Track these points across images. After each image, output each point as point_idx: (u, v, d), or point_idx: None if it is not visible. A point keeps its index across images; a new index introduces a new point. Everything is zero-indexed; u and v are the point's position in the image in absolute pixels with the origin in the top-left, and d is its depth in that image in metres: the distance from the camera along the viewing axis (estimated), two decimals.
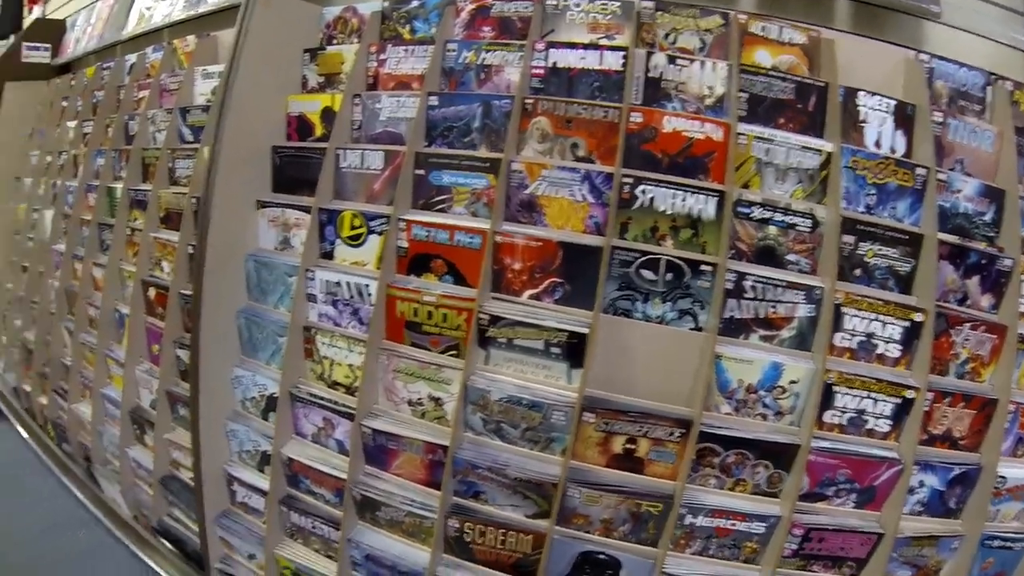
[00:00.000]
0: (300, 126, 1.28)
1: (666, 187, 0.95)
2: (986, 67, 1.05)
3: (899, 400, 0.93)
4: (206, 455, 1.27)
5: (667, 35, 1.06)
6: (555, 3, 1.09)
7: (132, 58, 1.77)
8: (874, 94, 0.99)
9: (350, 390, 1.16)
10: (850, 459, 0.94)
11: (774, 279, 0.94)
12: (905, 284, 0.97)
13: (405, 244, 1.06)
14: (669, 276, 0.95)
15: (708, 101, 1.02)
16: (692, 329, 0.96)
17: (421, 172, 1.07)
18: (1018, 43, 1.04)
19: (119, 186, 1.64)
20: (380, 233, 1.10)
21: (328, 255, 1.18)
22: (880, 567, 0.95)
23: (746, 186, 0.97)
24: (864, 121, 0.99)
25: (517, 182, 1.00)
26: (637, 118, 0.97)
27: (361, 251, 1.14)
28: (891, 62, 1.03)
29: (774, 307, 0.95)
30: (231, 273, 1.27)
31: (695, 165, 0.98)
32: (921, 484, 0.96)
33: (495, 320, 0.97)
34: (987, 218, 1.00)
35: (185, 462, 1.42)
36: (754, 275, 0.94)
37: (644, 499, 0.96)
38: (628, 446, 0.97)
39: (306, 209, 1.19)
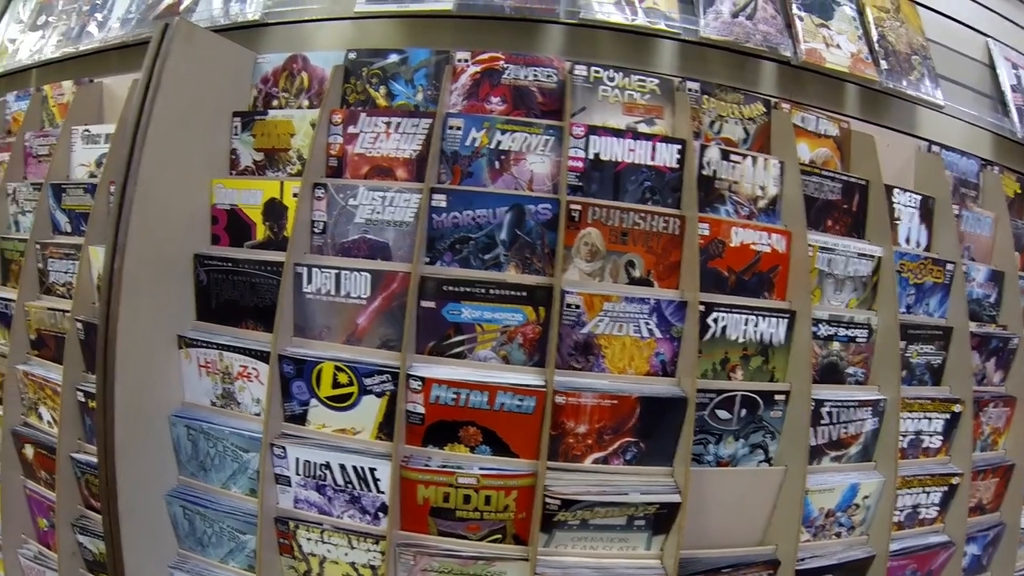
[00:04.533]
0: (232, 224, 0.88)
1: (739, 312, 0.83)
2: (980, 154, 1.11)
3: (945, 488, 0.96)
4: None
5: (712, 123, 0.92)
6: (584, 74, 0.88)
7: None
8: (905, 191, 0.98)
9: None
10: (917, 555, 0.95)
11: (849, 400, 0.88)
12: (937, 376, 1.00)
13: (421, 409, 0.77)
14: (743, 412, 0.84)
15: (761, 203, 0.91)
16: (762, 462, 0.87)
17: (431, 305, 0.78)
18: (1003, 131, 1.11)
19: None
20: (379, 394, 0.79)
21: (298, 418, 0.84)
22: None
23: None
24: (898, 219, 0.98)
25: (572, 319, 0.78)
26: (704, 230, 0.82)
27: (350, 416, 0.81)
28: (904, 152, 1.03)
29: (846, 428, 0.90)
30: (154, 441, 0.86)
31: (761, 282, 0.87)
32: (964, 554, 1.02)
33: (568, 503, 0.75)
34: (992, 299, 1.07)
35: None
36: (831, 400, 0.87)
37: None
38: None
39: (256, 353, 0.83)
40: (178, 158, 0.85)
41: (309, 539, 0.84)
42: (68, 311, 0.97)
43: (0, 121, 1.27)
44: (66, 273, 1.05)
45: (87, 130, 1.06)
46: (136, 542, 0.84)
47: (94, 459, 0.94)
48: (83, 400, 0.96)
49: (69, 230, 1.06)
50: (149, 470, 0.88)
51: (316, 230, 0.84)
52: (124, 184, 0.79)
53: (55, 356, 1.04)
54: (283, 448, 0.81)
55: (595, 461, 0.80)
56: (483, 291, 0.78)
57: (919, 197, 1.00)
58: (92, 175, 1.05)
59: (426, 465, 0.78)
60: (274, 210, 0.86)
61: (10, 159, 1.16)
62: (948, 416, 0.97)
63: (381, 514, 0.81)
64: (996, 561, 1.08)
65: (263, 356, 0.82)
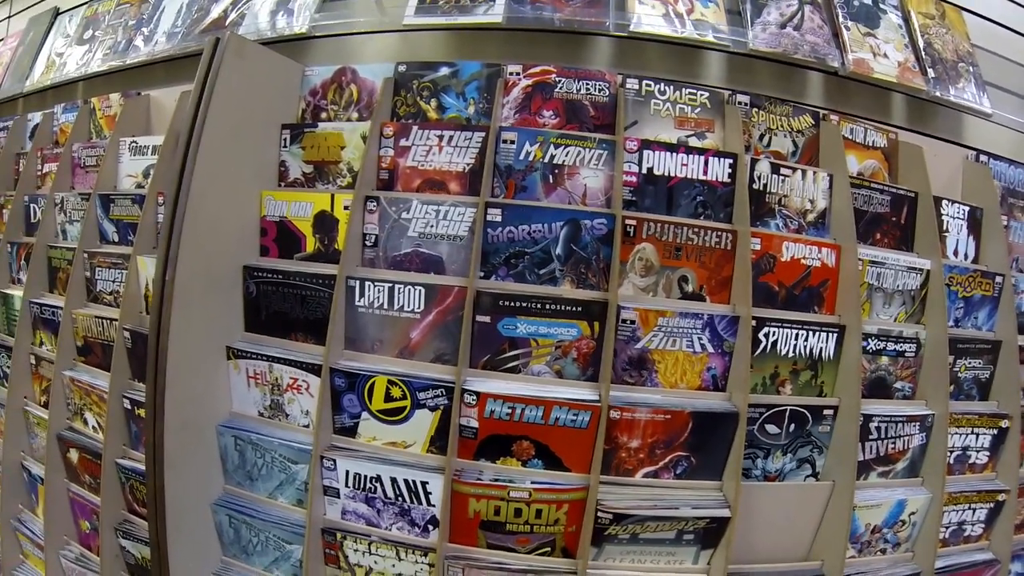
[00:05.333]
0: (282, 235, 0.88)
1: (789, 327, 0.82)
2: None
3: (991, 504, 0.96)
4: None
5: (762, 136, 0.91)
6: (636, 87, 0.88)
7: (36, 117, 1.32)
8: (953, 202, 0.97)
9: None
10: (961, 572, 0.94)
11: (897, 415, 0.88)
12: (984, 390, 0.99)
13: (475, 423, 0.78)
14: (792, 427, 0.83)
15: (810, 217, 0.90)
16: (809, 477, 0.87)
17: (486, 319, 0.79)
18: None
19: (17, 293, 1.18)
20: (433, 408, 0.79)
21: (348, 431, 0.84)
22: None
23: None
24: (947, 231, 0.97)
25: (627, 334, 0.78)
26: (755, 244, 0.82)
27: (402, 429, 0.81)
28: (951, 162, 1.02)
29: (894, 443, 0.90)
30: (202, 450, 0.87)
31: (811, 297, 0.87)
32: (1009, 572, 1.01)
33: (619, 518, 0.75)
34: None
35: None
36: (879, 415, 0.87)
37: None
38: None
39: (307, 365, 0.83)
40: (228, 170, 0.86)
41: (356, 550, 0.84)
42: (116, 319, 0.98)
43: (48, 132, 1.29)
44: (113, 282, 1.06)
45: (135, 141, 1.07)
46: (181, 548, 0.85)
47: (139, 465, 0.96)
48: (129, 407, 0.97)
49: (116, 239, 1.07)
50: (196, 479, 0.89)
51: (368, 243, 0.84)
52: (176, 195, 0.80)
53: (101, 363, 1.06)
54: (333, 460, 0.81)
55: (646, 475, 0.80)
56: (538, 306, 0.78)
57: (967, 208, 0.99)
58: (139, 186, 1.06)
59: (478, 479, 0.78)
60: (324, 222, 0.86)
61: (58, 169, 1.18)
62: (995, 432, 0.96)
63: (431, 526, 0.81)
64: None
65: (314, 368, 0.83)
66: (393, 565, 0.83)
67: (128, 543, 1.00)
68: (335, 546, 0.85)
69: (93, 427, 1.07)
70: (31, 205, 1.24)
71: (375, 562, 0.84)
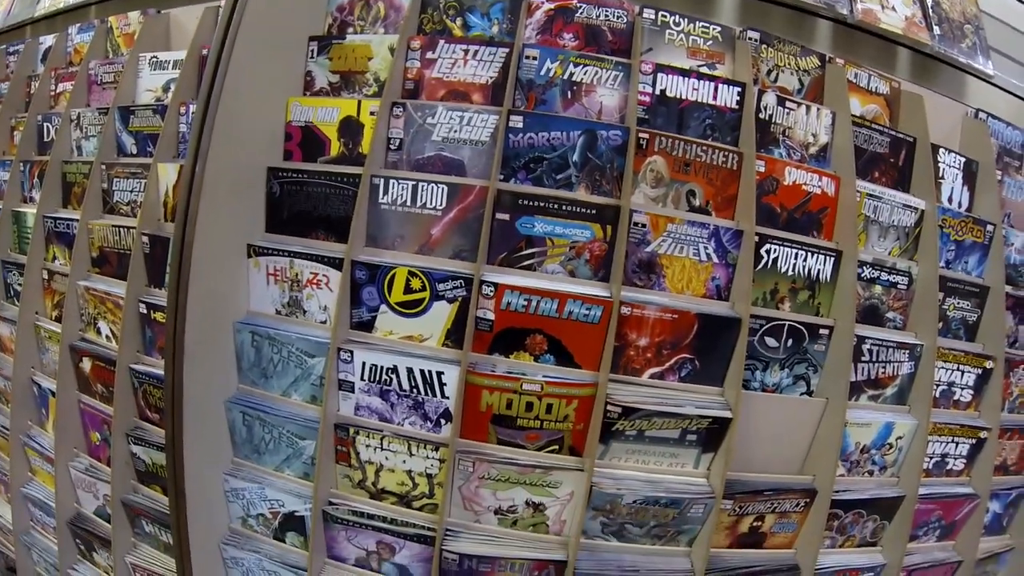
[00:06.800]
0: (306, 140, 0.91)
1: (790, 246, 0.87)
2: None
3: (974, 440, 1.00)
4: None
5: (769, 72, 0.96)
6: (652, 17, 0.92)
7: (48, 40, 1.32)
8: (950, 151, 1.02)
9: (404, 500, 0.88)
10: (943, 501, 0.99)
11: (888, 341, 0.92)
12: (971, 332, 1.04)
13: (491, 316, 0.81)
14: (789, 342, 0.87)
15: (812, 150, 0.95)
16: (803, 394, 0.91)
17: (505, 217, 0.82)
18: None
19: (30, 211, 1.19)
20: (451, 300, 0.83)
21: (365, 325, 0.87)
22: None
23: None
24: (942, 178, 1.03)
25: (638, 237, 0.82)
26: (760, 167, 0.87)
27: (419, 322, 0.84)
28: (951, 117, 1.08)
29: (884, 367, 0.94)
30: (218, 348, 0.89)
31: (810, 221, 0.91)
32: (987, 510, 1.05)
33: (628, 412, 0.79)
34: None
35: None
36: (872, 338, 0.91)
37: (775, 575, 0.89)
38: (755, 524, 0.88)
39: (328, 260, 0.86)
40: (257, 78, 0.88)
41: (368, 446, 0.86)
42: (133, 227, 1.00)
43: (61, 53, 1.30)
44: (131, 192, 1.07)
45: (155, 56, 1.09)
46: (196, 448, 0.87)
47: (153, 370, 0.98)
48: (145, 312, 0.99)
49: (135, 151, 1.09)
50: (212, 377, 0.90)
51: (392, 147, 0.87)
52: (208, 98, 0.82)
53: (116, 273, 1.07)
54: (350, 352, 0.84)
55: (652, 376, 0.83)
56: (555, 207, 0.81)
57: (963, 159, 1.04)
58: (158, 100, 1.08)
59: (492, 371, 0.81)
60: (350, 127, 0.90)
61: (74, 87, 1.19)
62: (980, 371, 1.00)
63: (443, 420, 0.84)
64: (1015, 525, 1.11)
65: (335, 263, 0.86)
66: (404, 461, 0.86)
67: (139, 449, 1.01)
68: (347, 443, 0.87)
69: (107, 336, 1.08)
70: (45, 124, 1.25)
71: (386, 458, 0.86)
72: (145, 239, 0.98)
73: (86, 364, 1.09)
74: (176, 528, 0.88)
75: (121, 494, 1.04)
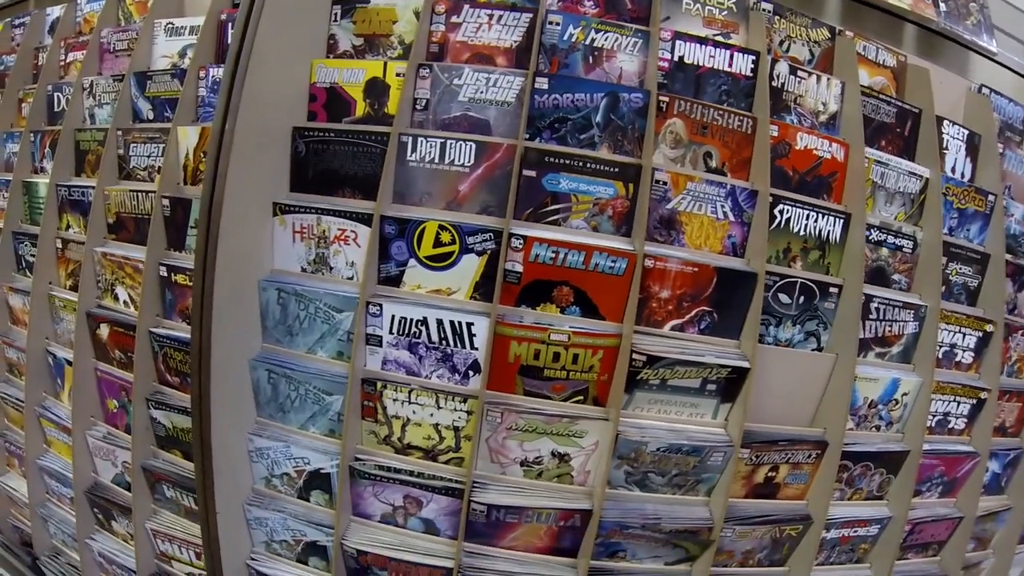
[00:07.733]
0: (331, 101, 0.93)
1: (802, 207, 0.91)
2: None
3: (974, 401, 1.05)
4: (226, 549, 0.90)
5: (781, 43, 1.00)
6: None
7: (55, 11, 1.28)
8: (954, 123, 1.07)
9: (430, 454, 0.89)
10: (946, 458, 1.03)
11: (894, 300, 0.96)
12: (972, 298, 1.09)
13: (520, 268, 0.83)
14: (801, 299, 0.91)
15: (822, 117, 1.00)
16: (815, 350, 0.94)
17: (532, 174, 0.85)
18: None
19: (42, 181, 1.19)
20: (480, 252, 0.85)
21: (393, 280, 0.88)
22: (960, 545, 1.07)
23: None
24: (946, 148, 1.07)
25: (659, 194, 0.85)
26: (773, 131, 0.90)
27: (447, 275, 0.86)
28: (955, 91, 1.12)
29: (891, 326, 0.98)
30: (244, 307, 0.89)
31: (820, 185, 0.95)
32: (987, 470, 1.10)
33: (652, 360, 0.81)
34: None
35: (180, 555, 1.04)
36: (879, 297, 0.95)
37: (788, 524, 0.92)
38: (770, 474, 0.92)
39: (356, 216, 0.88)
40: (282, 41, 0.89)
41: (395, 400, 0.88)
42: (152, 191, 1.01)
43: (70, 23, 1.29)
44: (148, 157, 1.08)
45: (171, 23, 1.10)
46: (221, 409, 0.87)
47: (174, 332, 0.99)
48: (165, 275, 1.00)
49: (151, 117, 1.09)
50: (238, 336, 0.91)
51: (418, 107, 0.89)
52: (236, 60, 0.83)
53: (133, 238, 1.07)
54: (379, 306, 0.85)
55: (673, 328, 0.86)
56: (580, 164, 0.84)
57: (966, 131, 1.09)
58: (174, 65, 1.09)
59: (520, 322, 0.83)
60: (376, 88, 0.91)
61: (86, 55, 1.19)
62: (980, 335, 1.05)
63: (472, 372, 0.86)
64: (1013, 485, 1.16)
65: (364, 219, 0.87)
66: (431, 415, 0.87)
67: (160, 413, 1.01)
68: (374, 397, 0.88)
69: (124, 301, 1.08)
70: (55, 94, 1.25)
71: (413, 412, 0.88)
72: (166, 202, 0.99)
73: (103, 331, 1.09)
74: (202, 490, 0.88)
75: (142, 459, 1.04)
